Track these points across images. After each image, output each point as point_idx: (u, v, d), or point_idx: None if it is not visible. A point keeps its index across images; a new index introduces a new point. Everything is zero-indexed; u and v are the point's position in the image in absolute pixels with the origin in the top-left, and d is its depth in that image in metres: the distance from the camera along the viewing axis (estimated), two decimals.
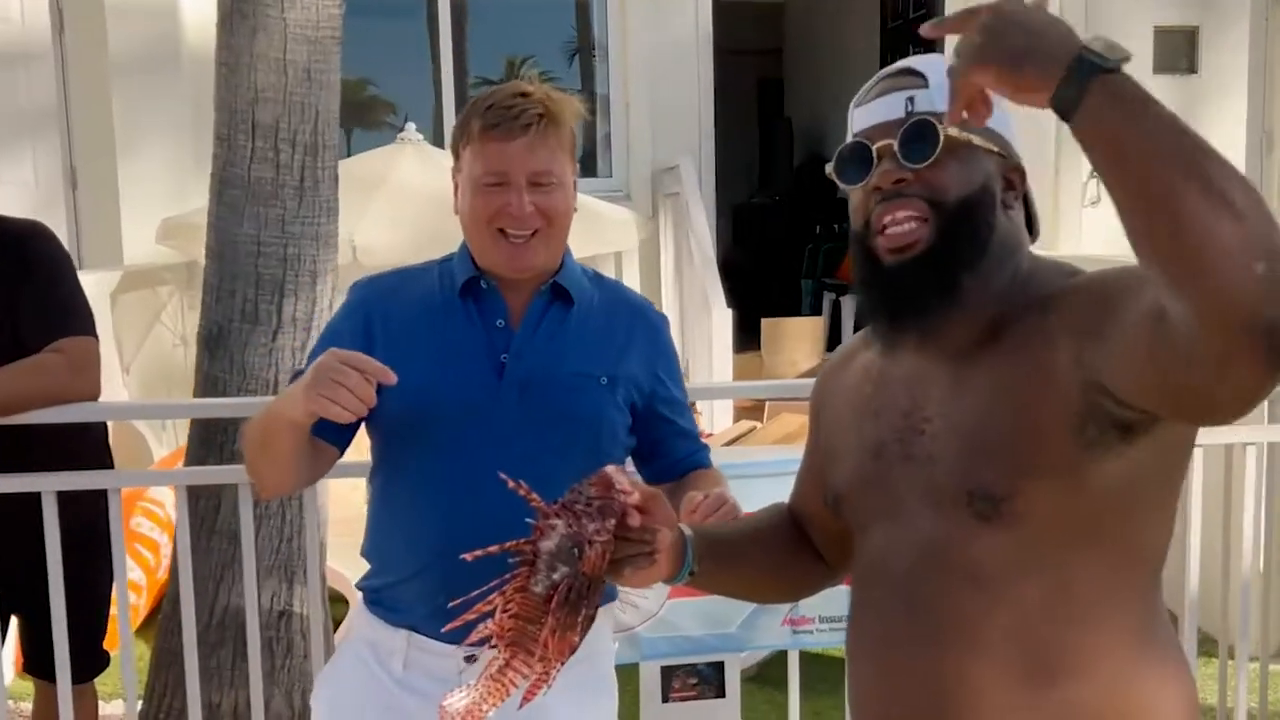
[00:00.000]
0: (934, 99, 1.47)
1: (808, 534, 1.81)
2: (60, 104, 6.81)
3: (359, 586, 2.17)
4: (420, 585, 2.02)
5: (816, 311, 9.08)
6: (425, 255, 5.99)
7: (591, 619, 1.51)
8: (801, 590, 1.93)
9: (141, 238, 6.35)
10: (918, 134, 1.47)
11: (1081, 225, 7.73)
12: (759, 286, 9.79)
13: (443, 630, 1.65)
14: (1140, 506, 1.44)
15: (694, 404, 2.99)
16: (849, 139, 1.55)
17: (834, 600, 2.47)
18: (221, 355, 3.42)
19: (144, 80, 6.79)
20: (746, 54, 11.27)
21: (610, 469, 1.54)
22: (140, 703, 3.55)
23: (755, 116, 12.77)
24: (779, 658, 2.42)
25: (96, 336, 2.90)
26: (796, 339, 6.99)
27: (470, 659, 1.97)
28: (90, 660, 3.07)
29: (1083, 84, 1.17)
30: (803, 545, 1.81)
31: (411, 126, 6.08)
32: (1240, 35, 7.88)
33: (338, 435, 2.01)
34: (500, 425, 1.99)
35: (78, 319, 2.87)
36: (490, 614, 1.51)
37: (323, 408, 1.76)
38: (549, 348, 2.04)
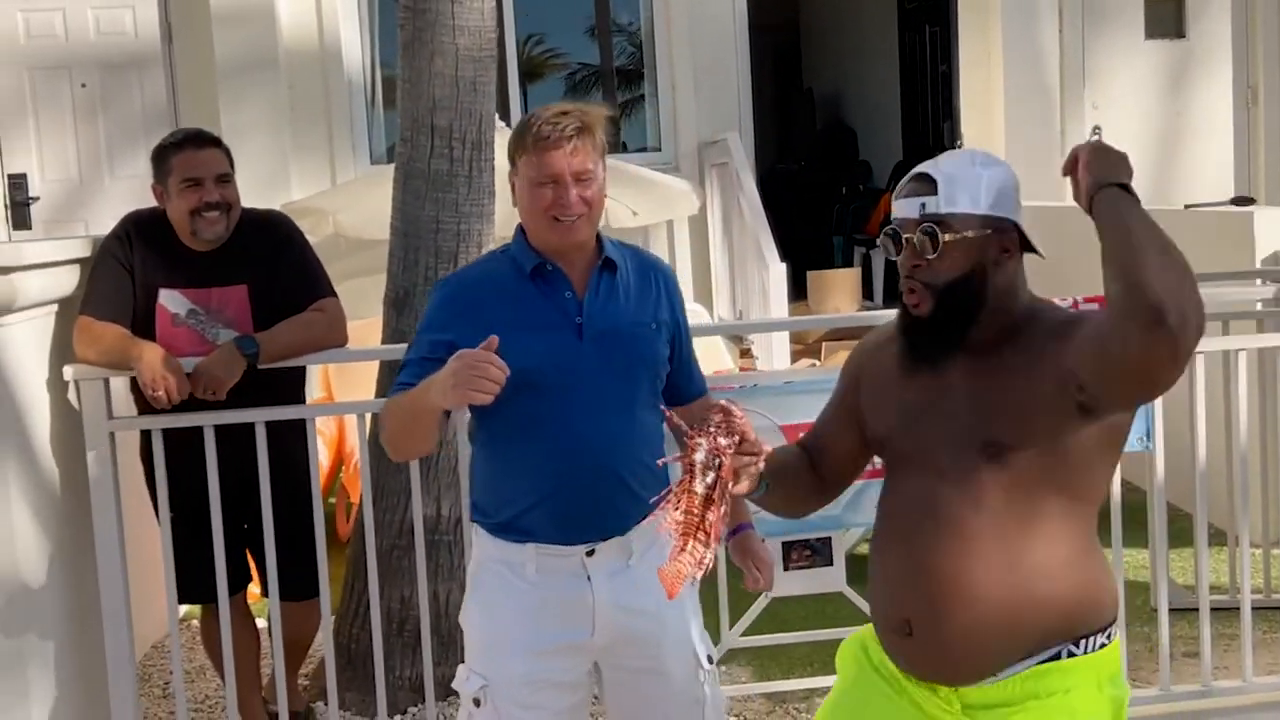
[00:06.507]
0: (940, 203, 2.05)
1: (815, 464, 2.35)
2: (170, 105, 7.61)
3: (476, 521, 2.62)
4: (545, 509, 2.48)
5: (849, 264, 9.88)
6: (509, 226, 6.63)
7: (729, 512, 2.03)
8: (816, 507, 2.45)
9: None
10: (925, 237, 2.06)
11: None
12: (793, 245, 10.53)
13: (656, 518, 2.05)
14: (1089, 463, 2.07)
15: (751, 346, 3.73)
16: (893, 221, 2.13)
17: None
18: (408, 313, 4.15)
19: (246, 81, 7.58)
20: (764, 29, 11.91)
21: (725, 402, 2.03)
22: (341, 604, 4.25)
23: (773, 88, 13.45)
24: None
25: (337, 296, 3.70)
26: (838, 289, 7.78)
27: (590, 554, 2.49)
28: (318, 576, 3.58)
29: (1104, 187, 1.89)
30: (813, 472, 2.36)
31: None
32: (1224, 1, 8.45)
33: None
34: (586, 373, 2.48)
35: (324, 283, 3.69)
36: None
37: (471, 398, 2.24)
38: (610, 307, 2.53)
